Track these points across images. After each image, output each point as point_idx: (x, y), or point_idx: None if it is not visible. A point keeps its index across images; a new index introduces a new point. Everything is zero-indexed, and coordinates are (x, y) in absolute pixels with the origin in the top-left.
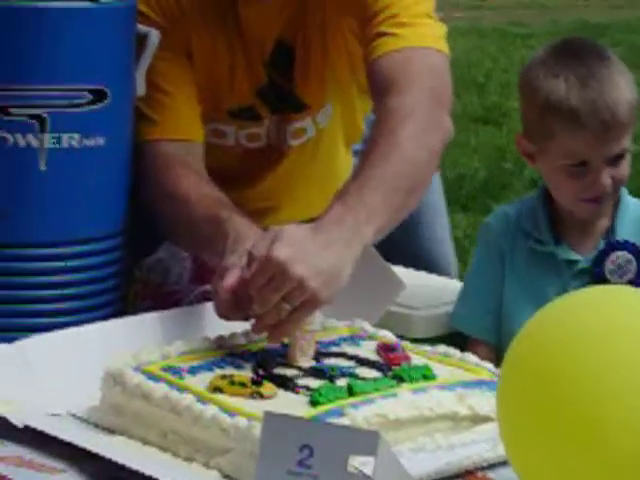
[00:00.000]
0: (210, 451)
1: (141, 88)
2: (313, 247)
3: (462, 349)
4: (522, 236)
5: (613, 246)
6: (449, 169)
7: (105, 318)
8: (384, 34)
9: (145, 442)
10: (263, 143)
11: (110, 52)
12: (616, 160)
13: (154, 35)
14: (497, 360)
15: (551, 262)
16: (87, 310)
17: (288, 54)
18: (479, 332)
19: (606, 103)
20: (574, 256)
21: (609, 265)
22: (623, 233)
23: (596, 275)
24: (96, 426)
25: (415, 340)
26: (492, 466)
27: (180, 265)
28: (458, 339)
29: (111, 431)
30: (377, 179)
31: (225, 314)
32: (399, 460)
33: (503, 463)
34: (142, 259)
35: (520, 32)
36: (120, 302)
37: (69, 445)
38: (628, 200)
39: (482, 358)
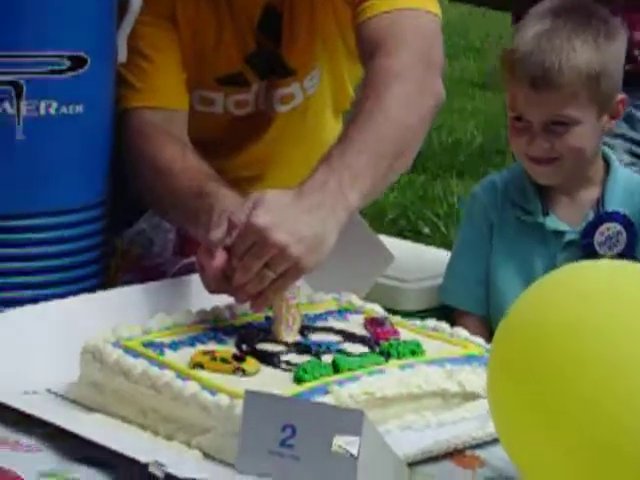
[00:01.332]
0: (191, 430)
1: (122, 54)
2: (295, 212)
3: (452, 322)
4: (510, 206)
5: (602, 217)
6: (445, 134)
7: (86, 291)
8: None
9: (125, 420)
10: (251, 109)
11: (90, 16)
12: (556, 126)
13: None
14: (487, 331)
15: (539, 233)
16: (68, 282)
17: (276, 19)
18: (468, 304)
19: (542, 61)
20: (562, 227)
21: (598, 237)
22: (613, 204)
23: (585, 247)
24: (75, 403)
25: (405, 313)
26: (481, 444)
27: (163, 237)
28: (448, 312)
29: (90, 409)
30: (362, 142)
31: (215, 290)
32: (385, 440)
33: (493, 441)
34: (123, 230)
35: None
36: (102, 275)
37: (46, 423)
38: (618, 170)
39: (471, 330)
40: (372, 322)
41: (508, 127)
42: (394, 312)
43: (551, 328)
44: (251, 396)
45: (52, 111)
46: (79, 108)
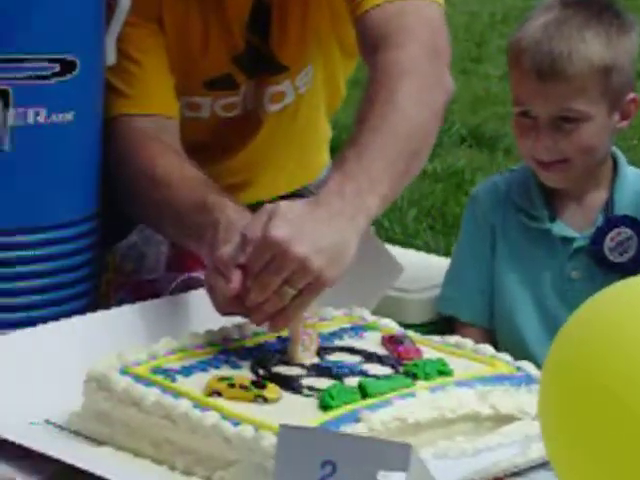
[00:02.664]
0: (212, 463)
1: (111, 56)
2: (313, 223)
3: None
4: (513, 210)
5: (612, 222)
6: None
7: (79, 311)
8: None
9: (137, 454)
10: (239, 111)
11: (78, 18)
12: (564, 122)
13: None
14: (490, 344)
15: (545, 240)
16: (59, 303)
17: (265, 13)
18: (468, 314)
19: (551, 50)
20: (570, 233)
21: (609, 243)
22: (622, 207)
23: (595, 253)
24: (79, 435)
25: (407, 325)
26: (523, 472)
27: (156, 250)
28: (450, 324)
29: (97, 441)
30: (377, 144)
31: (228, 312)
32: (432, 474)
33: (533, 468)
34: (114, 244)
35: None
36: (94, 293)
37: (50, 458)
38: (626, 171)
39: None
40: (391, 340)
41: (514, 126)
42: (399, 324)
43: (612, 349)
44: (286, 431)
45: (41, 119)
46: (69, 116)
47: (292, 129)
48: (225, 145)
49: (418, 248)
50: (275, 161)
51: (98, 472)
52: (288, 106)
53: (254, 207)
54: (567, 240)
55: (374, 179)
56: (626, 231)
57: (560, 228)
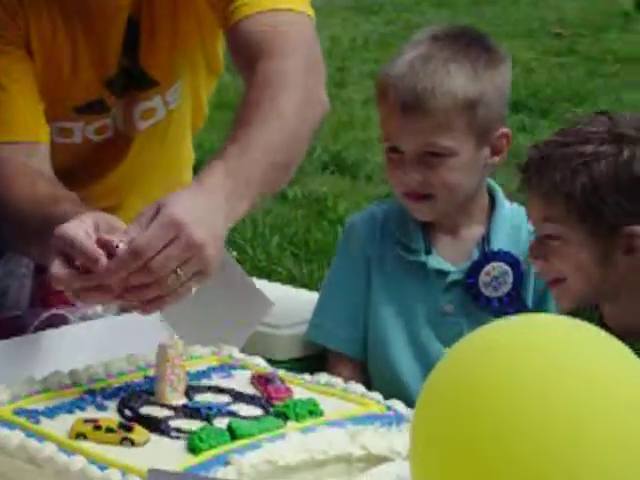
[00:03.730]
0: None
1: None
2: (205, 207)
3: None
4: (390, 242)
5: (488, 257)
6: None
7: None
8: None
9: None
10: (111, 133)
11: None
12: (430, 157)
13: None
14: (362, 376)
15: (421, 272)
16: None
17: (135, 28)
18: (340, 344)
19: (414, 85)
20: (446, 266)
21: (484, 277)
22: (499, 241)
23: (469, 287)
24: None
25: (277, 362)
26: None
27: (19, 284)
28: (319, 360)
29: None
30: (259, 149)
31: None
32: None
33: None
34: None
35: None
36: None
37: None
38: (503, 205)
39: (345, 375)
40: (260, 379)
41: (385, 160)
42: (268, 361)
43: (481, 388)
44: (154, 476)
45: None
46: None
47: (161, 148)
48: (95, 169)
49: (281, 275)
50: (142, 184)
51: None
52: (159, 122)
53: None
54: (442, 273)
55: (250, 181)
56: (501, 266)
57: (435, 261)
